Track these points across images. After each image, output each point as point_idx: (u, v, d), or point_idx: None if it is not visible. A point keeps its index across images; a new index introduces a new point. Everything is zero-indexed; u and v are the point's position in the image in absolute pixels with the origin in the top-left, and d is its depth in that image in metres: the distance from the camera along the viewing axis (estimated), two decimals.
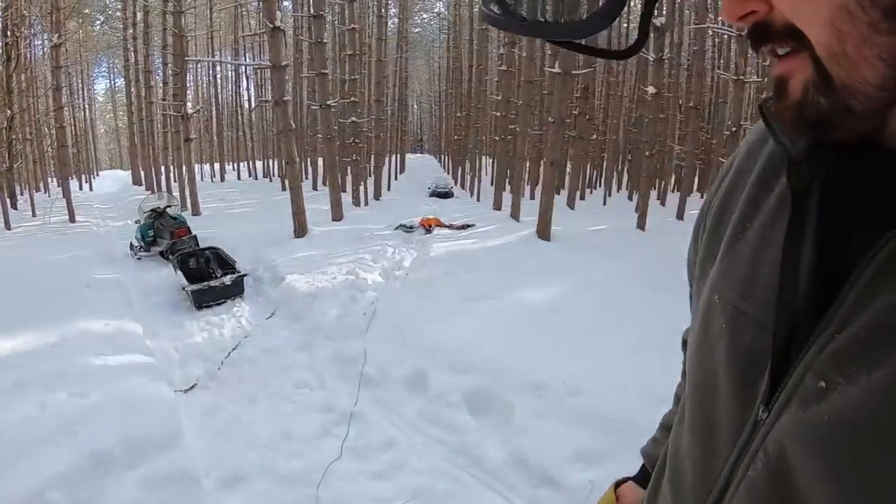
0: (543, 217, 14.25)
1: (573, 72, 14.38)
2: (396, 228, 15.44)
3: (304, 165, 33.73)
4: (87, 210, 23.27)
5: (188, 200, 20.67)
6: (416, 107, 75.48)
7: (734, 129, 14.23)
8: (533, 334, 7.82)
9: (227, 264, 11.23)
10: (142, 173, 33.05)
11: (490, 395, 6.33)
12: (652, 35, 18.33)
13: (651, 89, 17.74)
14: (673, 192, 29.08)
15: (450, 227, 15.76)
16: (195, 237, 13.45)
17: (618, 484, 1.47)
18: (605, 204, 26.79)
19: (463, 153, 38.20)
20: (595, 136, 32.00)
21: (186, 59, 20.47)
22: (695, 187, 26.99)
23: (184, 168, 21.56)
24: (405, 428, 6.09)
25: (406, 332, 7.99)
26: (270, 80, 14.69)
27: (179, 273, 10.64)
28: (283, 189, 28.76)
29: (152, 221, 14.45)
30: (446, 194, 28.60)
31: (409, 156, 55.57)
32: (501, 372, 6.71)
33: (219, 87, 41.63)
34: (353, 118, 22.15)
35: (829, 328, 0.61)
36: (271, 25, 13.41)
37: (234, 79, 40.65)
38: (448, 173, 42.02)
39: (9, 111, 24.31)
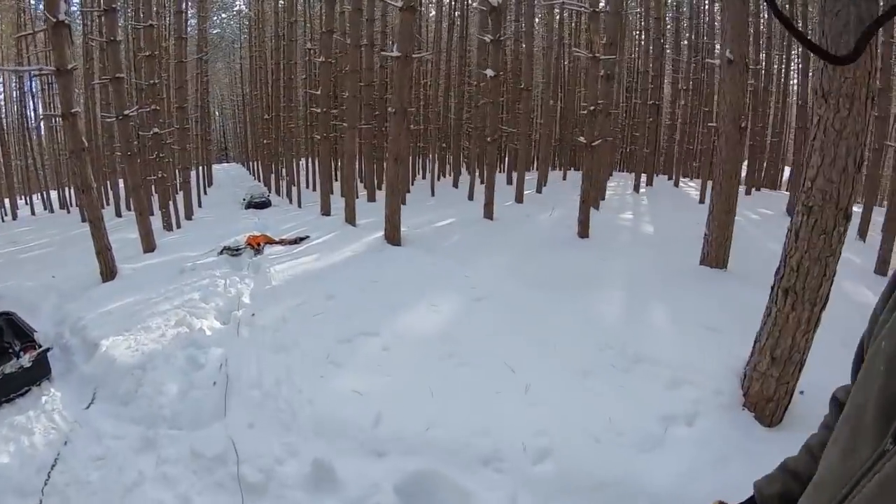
0: (391, 219, 12.56)
1: (413, 55, 12.53)
2: (221, 253, 13.14)
3: (104, 189, 30.12)
4: None
5: None
6: (218, 113, 71.31)
7: (591, 107, 13.04)
8: (452, 379, 6.11)
9: (26, 334, 8.69)
10: None
11: (433, 484, 4.64)
12: (489, 16, 17.42)
13: (489, 72, 16.27)
14: (500, 172, 28.20)
15: (281, 242, 13.70)
16: None
17: None
18: (433, 194, 25.33)
19: (275, 158, 35.60)
20: (413, 126, 30.39)
21: None
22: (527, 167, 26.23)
23: None
24: None
25: (282, 405, 5.97)
26: (56, 88, 12.06)
27: None
28: (84, 220, 25.26)
29: None
30: (264, 204, 26.27)
31: (215, 166, 52.26)
32: (437, 444, 5.04)
33: (1, 109, 35.20)
34: (156, 129, 19.19)
35: None
36: (54, 20, 10.62)
37: (18, 97, 34.40)
38: (260, 181, 39.59)
39: None
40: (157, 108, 19.64)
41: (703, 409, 5.33)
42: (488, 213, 15.62)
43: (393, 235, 12.49)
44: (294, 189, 28.08)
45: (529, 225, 14.83)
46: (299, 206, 24.24)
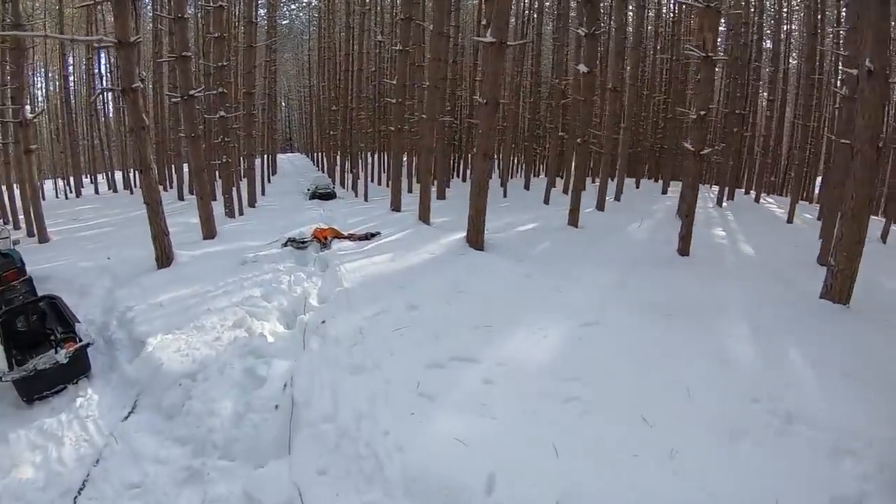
0: (475, 221, 11.30)
1: (509, 42, 11.12)
2: (286, 245, 12.06)
3: (168, 172, 29.64)
4: None
5: (34, 225, 16.49)
6: (284, 104, 70.76)
7: (702, 112, 11.48)
8: (578, 431, 4.83)
9: (69, 322, 7.72)
10: None
11: None
12: (584, 7, 15.91)
13: (582, 67, 14.70)
14: (561, 177, 26.49)
15: (350, 237, 12.55)
16: (30, 280, 9.76)
17: None
18: (505, 196, 23.96)
19: (341, 149, 34.36)
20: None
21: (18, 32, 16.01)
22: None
23: (26, 185, 17.17)
24: None
25: (363, 450, 4.73)
26: (117, 62, 11.13)
27: None
28: (147, 202, 24.53)
29: None
30: (329, 195, 24.81)
31: (279, 155, 51.34)
32: None
33: (71, 91, 34.00)
34: (222, 112, 18.14)
35: None
36: None
37: (87, 80, 33.99)
38: (324, 172, 38.51)
39: None
40: (225, 91, 18.59)
41: (869, 488, 4.32)
42: (573, 220, 14.24)
43: (476, 239, 11.23)
44: (359, 182, 26.85)
45: (620, 236, 13.43)
46: (366, 199, 22.87)
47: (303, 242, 12.03)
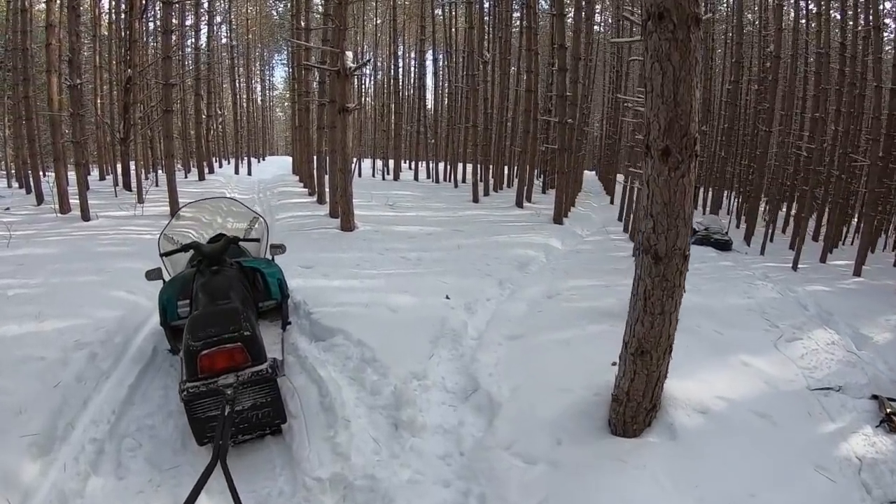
0: None
1: None
2: (889, 423, 4.51)
3: (504, 167, 26.34)
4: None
5: (337, 205, 12.84)
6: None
7: None
8: None
9: None
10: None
11: None
12: None
13: None
14: None
15: None
16: (271, 381, 3.99)
17: None
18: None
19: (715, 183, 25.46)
20: None
21: None
22: None
23: (337, 153, 12.81)
24: None
25: None
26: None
27: None
28: (475, 200, 19.40)
29: (193, 273, 4.94)
30: (725, 244, 16.12)
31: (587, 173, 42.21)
32: None
33: (401, 82, 33.26)
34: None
35: None
36: None
37: (416, 69, 32.44)
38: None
39: (128, 70, 17.79)
40: None
41: None
42: None
43: None
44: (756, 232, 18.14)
45: None
46: (794, 267, 13.09)
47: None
